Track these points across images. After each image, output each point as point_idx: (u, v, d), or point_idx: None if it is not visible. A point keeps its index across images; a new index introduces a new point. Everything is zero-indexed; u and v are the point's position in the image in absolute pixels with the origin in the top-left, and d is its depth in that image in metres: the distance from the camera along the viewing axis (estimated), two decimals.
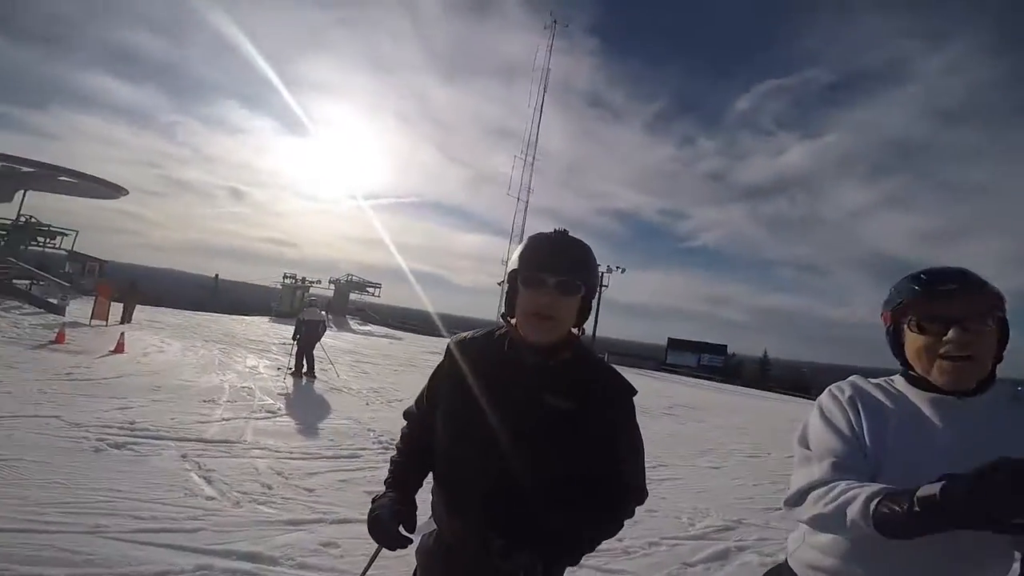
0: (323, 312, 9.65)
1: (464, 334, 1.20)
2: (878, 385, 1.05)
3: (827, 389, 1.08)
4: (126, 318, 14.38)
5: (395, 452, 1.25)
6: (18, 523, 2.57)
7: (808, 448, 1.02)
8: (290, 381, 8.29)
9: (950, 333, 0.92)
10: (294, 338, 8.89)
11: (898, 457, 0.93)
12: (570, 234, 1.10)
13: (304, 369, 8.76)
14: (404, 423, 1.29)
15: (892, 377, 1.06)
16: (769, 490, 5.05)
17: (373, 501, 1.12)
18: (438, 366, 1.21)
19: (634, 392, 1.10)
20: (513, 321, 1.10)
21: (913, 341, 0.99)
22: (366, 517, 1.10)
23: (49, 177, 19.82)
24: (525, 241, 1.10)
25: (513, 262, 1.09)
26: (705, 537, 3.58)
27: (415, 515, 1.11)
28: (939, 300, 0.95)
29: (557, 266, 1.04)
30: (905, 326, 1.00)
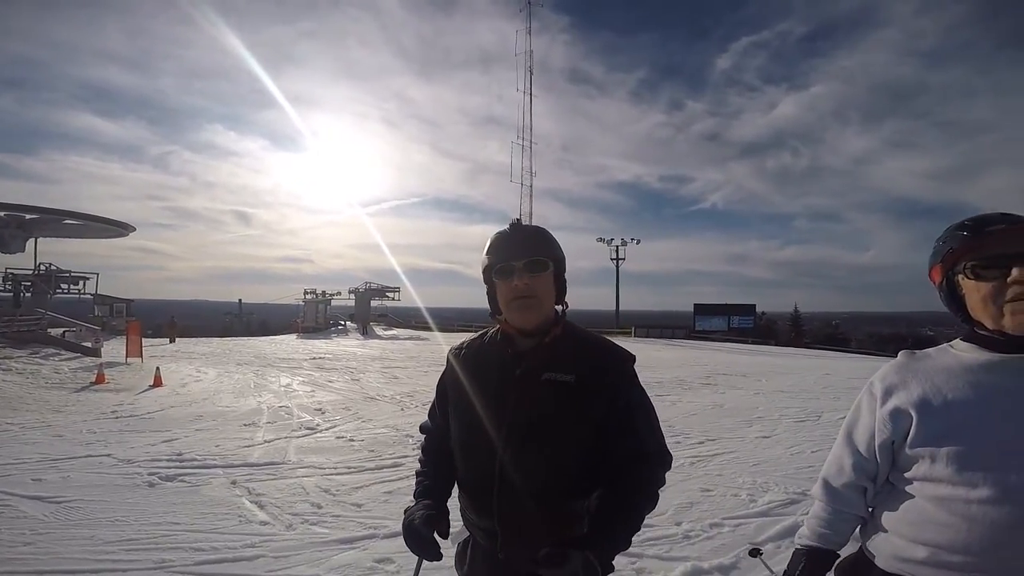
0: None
1: (461, 341, 1.28)
2: (929, 356, 0.97)
3: (871, 379, 1.02)
4: (173, 341, 19.79)
5: (419, 464, 1.28)
6: (91, 563, 2.69)
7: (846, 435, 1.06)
8: (323, 395, 8.53)
9: (1014, 272, 0.85)
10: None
11: (961, 432, 0.86)
12: (523, 222, 1.19)
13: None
14: (423, 437, 1.32)
15: (952, 342, 0.98)
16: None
17: (405, 512, 1.12)
18: (441, 376, 1.28)
19: (632, 358, 1.13)
20: (502, 317, 1.16)
21: (974, 291, 0.91)
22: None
23: (55, 222, 20.17)
24: (488, 241, 1.17)
25: (482, 261, 1.16)
26: (769, 513, 3.42)
27: (448, 520, 1.11)
28: (992, 239, 0.89)
29: (521, 249, 1.11)
30: (960, 277, 0.93)
